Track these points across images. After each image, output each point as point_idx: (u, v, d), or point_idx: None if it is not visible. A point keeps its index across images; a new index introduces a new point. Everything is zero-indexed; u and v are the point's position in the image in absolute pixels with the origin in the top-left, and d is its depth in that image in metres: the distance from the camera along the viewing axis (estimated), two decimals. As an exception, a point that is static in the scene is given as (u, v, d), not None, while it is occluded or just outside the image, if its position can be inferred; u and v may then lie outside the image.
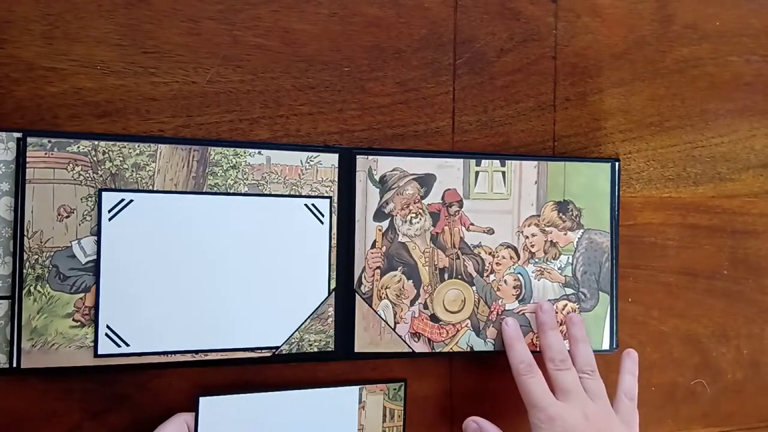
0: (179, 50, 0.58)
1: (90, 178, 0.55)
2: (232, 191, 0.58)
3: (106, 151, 0.55)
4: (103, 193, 0.55)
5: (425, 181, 0.64)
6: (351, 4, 0.63)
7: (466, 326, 0.65)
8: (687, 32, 0.74)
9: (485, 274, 0.66)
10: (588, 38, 0.70)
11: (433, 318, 0.64)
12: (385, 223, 0.63)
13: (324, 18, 0.62)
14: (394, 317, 0.63)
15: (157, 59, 0.58)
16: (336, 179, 0.62)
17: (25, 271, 0.53)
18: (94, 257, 0.55)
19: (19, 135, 0.54)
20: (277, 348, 0.60)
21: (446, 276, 0.65)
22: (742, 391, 0.77)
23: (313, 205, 0.61)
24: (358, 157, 0.62)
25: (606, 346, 0.68)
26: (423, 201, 0.64)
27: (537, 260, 0.67)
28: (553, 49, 0.69)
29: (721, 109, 0.75)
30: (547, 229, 0.67)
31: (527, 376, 0.61)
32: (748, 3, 0.76)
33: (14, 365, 0.53)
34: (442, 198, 0.64)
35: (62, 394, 0.57)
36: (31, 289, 0.53)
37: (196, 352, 0.57)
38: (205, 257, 0.58)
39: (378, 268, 0.63)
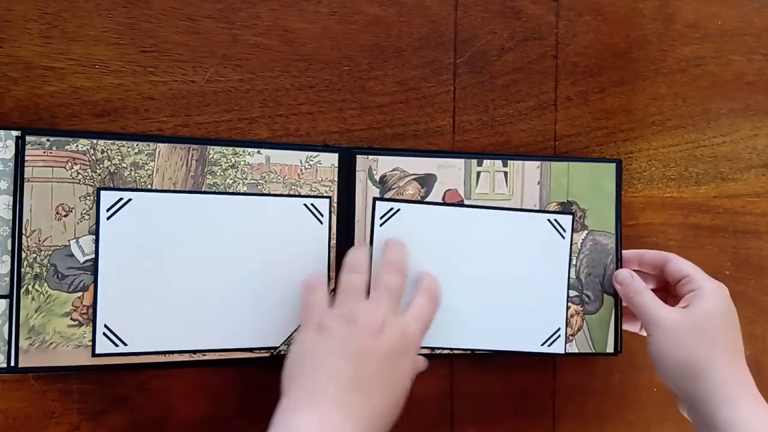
0: (178, 49, 0.58)
1: (88, 177, 0.55)
2: (231, 191, 0.58)
3: (105, 149, 0.55)
4: (102, 192, 0.55)
5: (426, 182, 0.63)
6: (351, 2, 0.62)
7: (466, 327, 0.65)
8: (689, 31, 0.73)
9: (485, 275, 0.66)
10: (589, 37, 0.70)
11: (434, 318, 0.64)
12: (386, 223, 0.63)
13: (324, 17, 0.62)
14: (395, 318, 0.63)
15: (155, 58, 0.58)
16: (336, 179, 0.61)
17: (23, 269, 0.53)
18: (92, 256, 0.55)
19: (17, 133, 0.53)
20: (275, 349, 0.59)
21: (447, 276, 0.65)
22: (745, 392, 0.77)
23: (312, 204, 0.60)
24: (358, 156, 0.62)
25: (611, 349, 0.68)
26: (423, 201, 0.64)
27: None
28: (555, 48, 0.69)
29: (723, 108, 0.75)
30: (550, 230, 0.67)
31: None
32: (750, 2, 0.76)
33: (12, 364, 0.53)
34: (443, 198, 0.64)
35: (61, 395, 0.57)
36: (30, 287, 0.53)
37: (194, 351, 0.57)
38: (203, 257, 0.57)
39: (378, 268, 0.63)
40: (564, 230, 0.65)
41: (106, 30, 0.56)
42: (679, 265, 0.64)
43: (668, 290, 0.66)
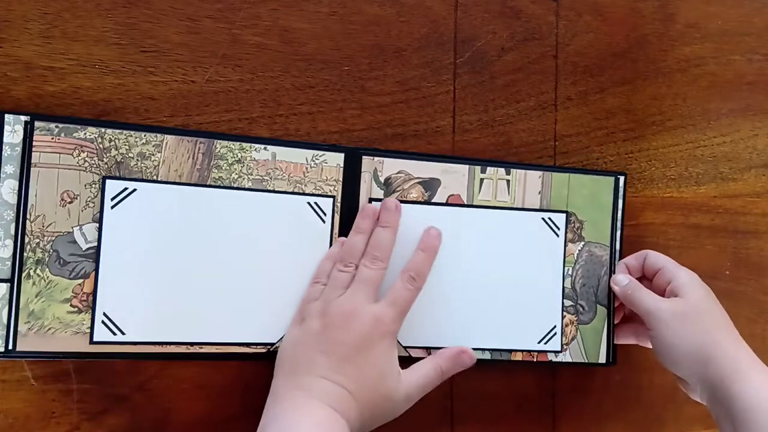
0: (178, 49, 0.58)
1: (95, 165, 0.55)
2: (235, 185, 0.58)
3: (113, 138, 0.55)
4: (107, 180, 0.55)
5: (430, 186, 0.63)
6: (351, 2, 0.63)
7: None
8: (689, 31, 0.74)
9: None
10: (589, 37, 0.70)
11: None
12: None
13: (324, 17, 0.62)
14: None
15: (155, 58, 0.58)
16: (340, 179, 0.61)
17: (25, 254, 0.53)
18: (95, 244, 0.55)
19: (26, 118, 0.54)
20: (272, 345, 0.59)
21: (446, 279, 0.65)
22: (746, 393, 0.76)
23: (316, 203, 0.61)
24: (364, 158, 0.62)
25: (603, 359, 0.68)
26: (426, 205, 0.64)
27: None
28: (555, 48, 0.69)
29: (723, 108, 0.75)
30: (548, 240, 0.67)
31: None
32: (751, 2, 0.76)
33: (10, 348, 0.53)
34: (446, 203, 0.64)
35: (61, 395, 0.56)
36: (31, 272, 0.53)
37: (191, 344, 0.57)
38: (205, 250, 0.57)
39: (378, 268, 0.62)
40: (558, 228, 0.66)
41: (106, 30, 0.57)
42: (655, 257, 0.67)
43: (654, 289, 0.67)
